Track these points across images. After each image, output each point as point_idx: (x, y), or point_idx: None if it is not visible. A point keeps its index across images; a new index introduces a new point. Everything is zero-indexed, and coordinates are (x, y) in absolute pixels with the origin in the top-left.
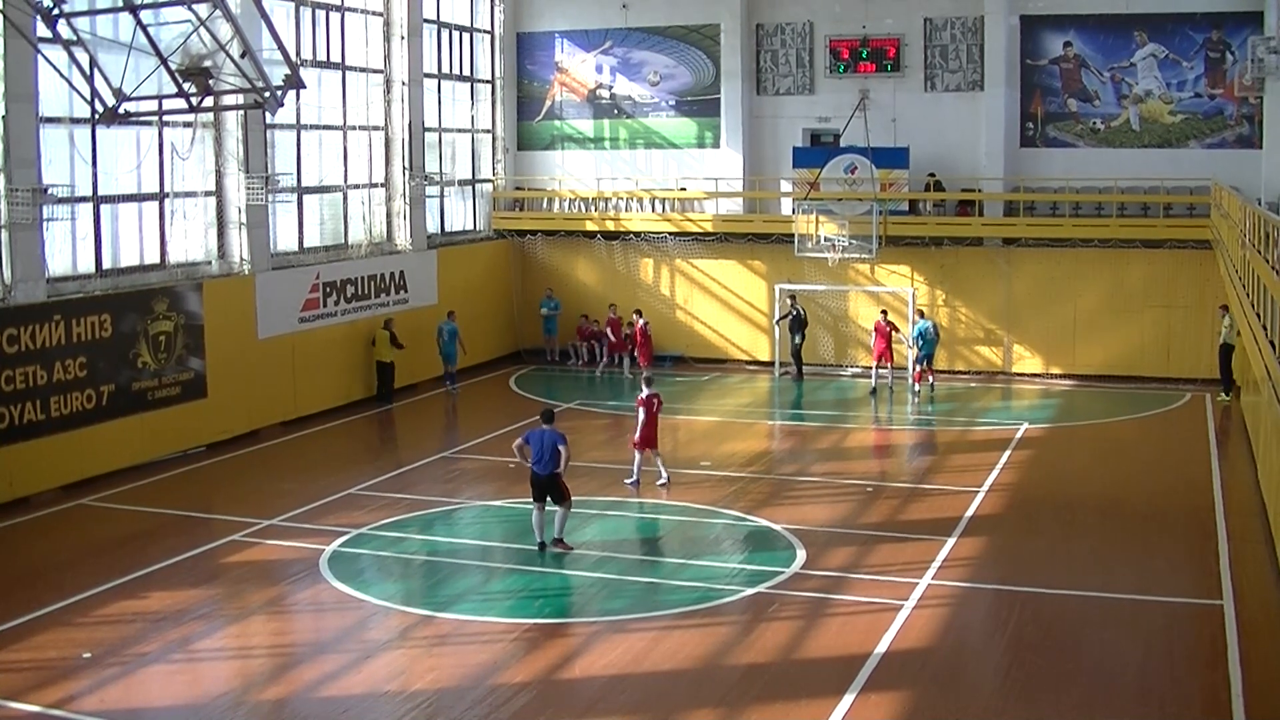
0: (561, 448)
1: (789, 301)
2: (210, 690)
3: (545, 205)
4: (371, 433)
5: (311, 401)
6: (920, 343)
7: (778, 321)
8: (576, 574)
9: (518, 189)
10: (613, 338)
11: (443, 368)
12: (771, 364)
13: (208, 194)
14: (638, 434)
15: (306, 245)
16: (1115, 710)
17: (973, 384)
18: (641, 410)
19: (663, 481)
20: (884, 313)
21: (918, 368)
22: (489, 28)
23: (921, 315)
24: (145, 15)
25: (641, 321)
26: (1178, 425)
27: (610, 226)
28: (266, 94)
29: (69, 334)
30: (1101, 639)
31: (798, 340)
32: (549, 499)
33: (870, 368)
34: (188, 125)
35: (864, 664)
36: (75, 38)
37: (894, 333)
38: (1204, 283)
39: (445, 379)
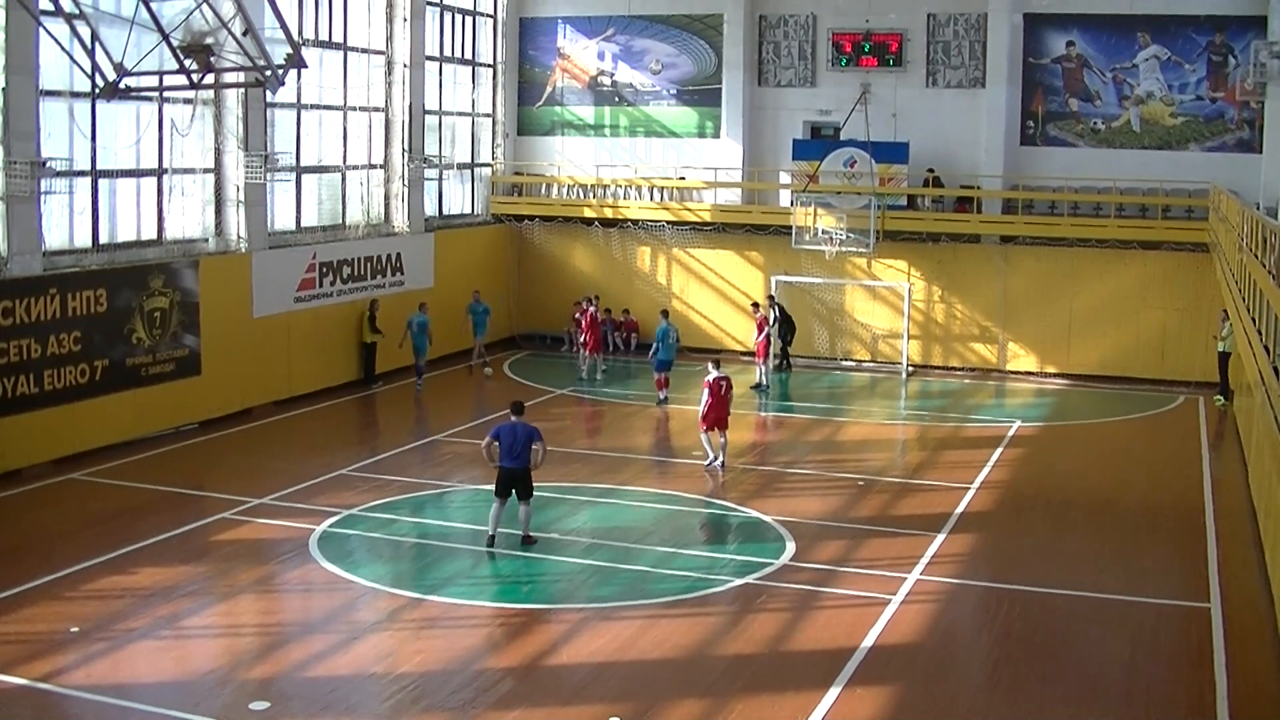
0: (537, 444)
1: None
2: (197, 667)
3: (544, 191)
4: (364, 414)
5: (305, 381)
6: (659, 348)
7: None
8: (565, 560)
9: (517, 174)
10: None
11: (414, 360)
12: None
13: (206, 171)
14: (703, 415)
15: (304, 225)
16: (1100, 709)
17: (966, 381)
18: (707, 391)
19: (718, 463)
20: (756, 305)
21: (659, 375)
22: (492, 12)
23: (665, 316)
24: None
25: (591, 308)
26: (1170, 427)
27: (608, 214)
28: (268, 72)
29: (64, 308)
30: (1089, 638)
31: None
32: (514, 493)
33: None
34: (188, 102)
35: (851, 657)
36: (77, 11)
37: (766, 325)
38: (1200, 285)
39: (415, 372)
